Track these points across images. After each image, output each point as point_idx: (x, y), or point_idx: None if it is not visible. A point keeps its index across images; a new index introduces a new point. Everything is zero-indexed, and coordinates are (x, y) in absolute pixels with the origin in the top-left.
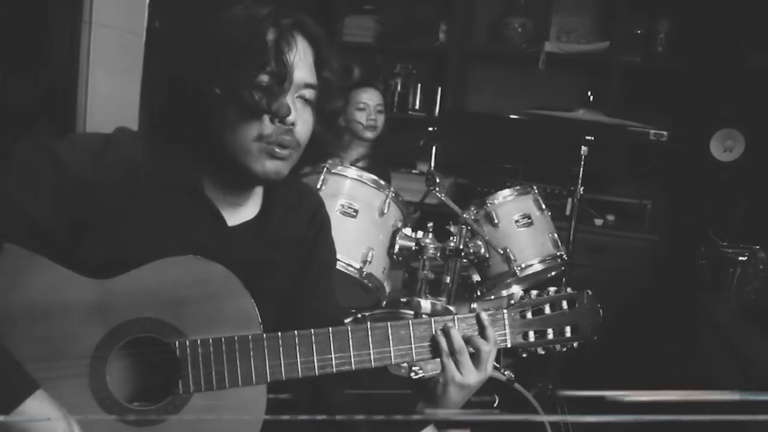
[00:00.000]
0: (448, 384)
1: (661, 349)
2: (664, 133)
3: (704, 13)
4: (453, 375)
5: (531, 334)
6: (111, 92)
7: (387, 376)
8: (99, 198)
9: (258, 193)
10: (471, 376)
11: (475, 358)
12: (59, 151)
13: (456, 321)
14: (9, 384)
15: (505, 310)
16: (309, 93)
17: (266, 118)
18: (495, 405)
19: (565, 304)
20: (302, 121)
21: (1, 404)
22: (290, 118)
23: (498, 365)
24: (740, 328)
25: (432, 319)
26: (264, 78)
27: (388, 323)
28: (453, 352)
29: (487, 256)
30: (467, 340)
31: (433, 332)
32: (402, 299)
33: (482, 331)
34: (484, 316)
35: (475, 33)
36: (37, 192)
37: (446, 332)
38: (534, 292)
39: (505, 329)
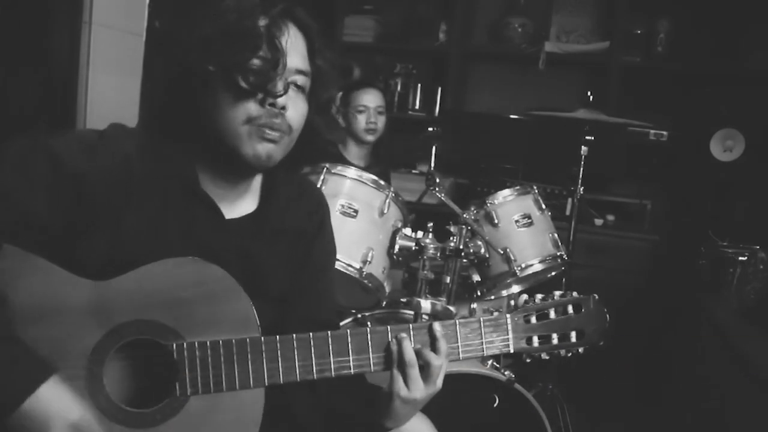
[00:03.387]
0: (393, 398)
1: (661, 350)
2: (664, 133)
3: (704, 13)
4: (399, 389)
5: (535, 339)
6: (111, 92)
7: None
8: (95, 193)
9: (256, 186)
10: (418, 392)
11: (425, 371)
12: (54, 147)
13: (411, 331)
14: (24, 370)
15: (508, 315)
16: (301, 79)
17: (254, 101)
18: (495, 405)
19: (570, 309)
20: (294, 107)
21: (16, 390)
22: (281, 101)
23: (498, 365)
24: (740, 328)
25: (388, 328)
26: (256, 62)
27: (380, 328)
28: (402, 365)
29: (487, 256)
30: (417, 353)
31: (389, 340)
32: (402, 299)
33: (434, 344)
34: (437, 327)
35: (475, 33)
36: (34, 188)
37: (399, 343)
38: (539, 296)
39: (508, 334)
